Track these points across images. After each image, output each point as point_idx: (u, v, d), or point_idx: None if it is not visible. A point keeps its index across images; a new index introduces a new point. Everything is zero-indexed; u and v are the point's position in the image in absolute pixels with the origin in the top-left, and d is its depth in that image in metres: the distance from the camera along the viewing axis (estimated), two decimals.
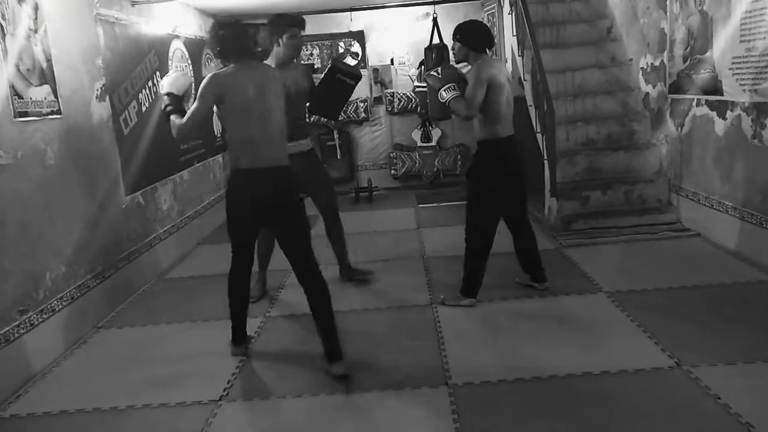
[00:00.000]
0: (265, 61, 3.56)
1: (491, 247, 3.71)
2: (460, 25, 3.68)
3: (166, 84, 3.18)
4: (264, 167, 2.96)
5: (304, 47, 7.67)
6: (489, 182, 3.62)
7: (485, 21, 7.39)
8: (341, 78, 3.97)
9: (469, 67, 3.62)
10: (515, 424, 2.52)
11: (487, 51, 3.64)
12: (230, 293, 3.24)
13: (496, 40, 7.04)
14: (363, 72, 7.58)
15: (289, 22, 3.88)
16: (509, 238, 3.92)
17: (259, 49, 3.19)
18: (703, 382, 2.69)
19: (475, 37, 3.61)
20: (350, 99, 7.37)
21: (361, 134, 7.83)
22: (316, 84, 4.14)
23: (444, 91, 3.52)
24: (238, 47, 3.00)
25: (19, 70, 3.21)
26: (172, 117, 3.06)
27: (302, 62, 7.41)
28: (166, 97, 3.14)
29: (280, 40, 3.86)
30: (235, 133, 2.99)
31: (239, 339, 3.32)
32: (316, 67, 7.51)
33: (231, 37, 3.01)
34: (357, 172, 7.83)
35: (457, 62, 3.82)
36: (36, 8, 3.40)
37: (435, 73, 3.61)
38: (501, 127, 3.58)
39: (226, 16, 6.97)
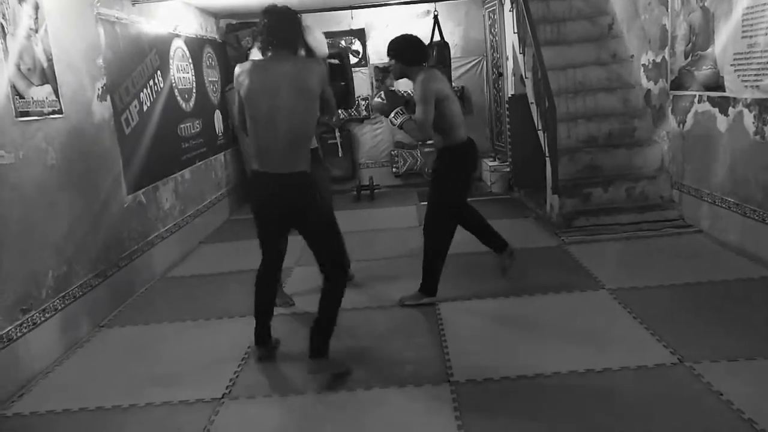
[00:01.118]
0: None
1: (450, 245, 3.76)
2: (391, 41, 3.62)
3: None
4: (271, 172, 2.81)
5: None
6: (451, 184, 3.69)
7: (486, 18, 7.39)
8: (327, 61, 3.95)
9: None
10: (517, 422, 2.52)
11: (424, 64, 3.58)
12: (255, 290, 3.16)
13: (497, 39, 7.05)
14: (364, 70, 7.66)
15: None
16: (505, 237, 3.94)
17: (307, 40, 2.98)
18: (705, 379, 2.68)
19: (408, 52, 3.54)
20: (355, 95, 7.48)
21: (362, 132, 7.83)
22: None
23: (393, 117, 3.51)
24: (273, 35, 2.79)
25: (20, 69, 3.22)
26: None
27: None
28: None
29: None
30: (250, 131, 2.87)
31: (260, 339, 3.20)
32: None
33: (265, 25, 2.80)
34: (358, 170, 7.84)
35: (396, 79, 3.75)
36: (36, 8, 3.40)
37: (379, 99, 3.60)
38: (458, 134, 3.63)
39: (227, 17, 6.97)
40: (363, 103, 7.59)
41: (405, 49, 3.56)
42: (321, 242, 2.96)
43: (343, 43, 7.63)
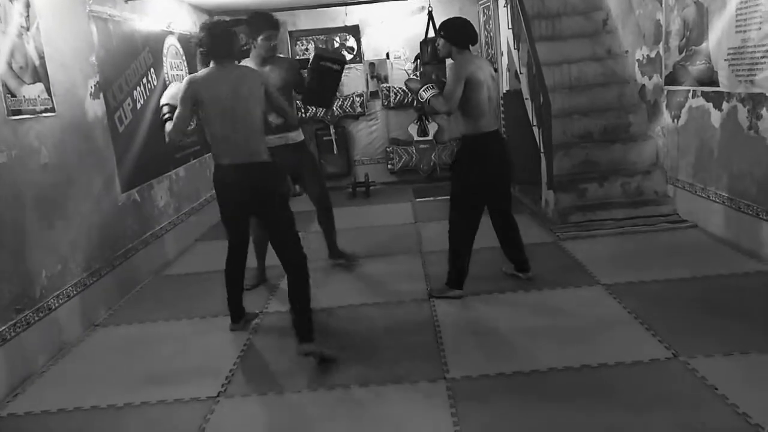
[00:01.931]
0: (246, 58, 3.90)
1: (474, 239, 3.76)
2: (445, 21, 3.74)
3: (165, 96, 3.40)
4: (240, 163, 3.17)
5: (299, 42, 7.68)
6: (472, 176, 3.67)
7: (480, 14, 7.38)
8: (326, 65, 3.99)
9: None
10: (513, 417, 2.52)
11: (470, 47, 3.69)
12: (225, 276, 3.54)
13: (491, 34, 7.04)
14: (359, 67, 7.65)
15: (265, 25, 3.97)
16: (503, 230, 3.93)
17: (245, 47, 3.41)
18: (700, 373, 2.69)
19: (459, 34, 3.65)
20: (347, 93, 7.46)
21: (357, 129, 7.82)
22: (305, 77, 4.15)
23: (423, 91, 3.62)
24: (215, 50, 3.18)
25: (11, 68, 3.19)
26: (167, 124, 3.29)
27: (296, 57, 7.40)
28: (165, 107, 3.34)
29: (255, 42, 3.99)
30: (213, 131, 3.20)
31: (235, 317, 3.60)
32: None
33: (209, 39, 3.18)
34: (354, 167, 7.82)
35: (442, 57, 3.90)
36: (27, 6, 3.38)
37: (414, 76, 3.75)
38: (483, 123, 3.63)
39: (219, 14, 6.94)
40: (358, 99, 7.58)
41: (456, 31, 3.65)
42: (277, 221, 3.23)
43: (339, 48, 7.59)
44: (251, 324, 3.65)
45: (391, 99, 7.55)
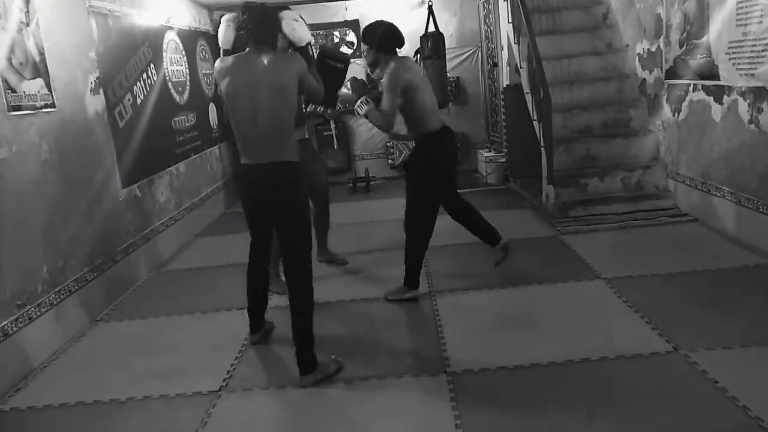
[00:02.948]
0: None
1: (431, 237, 3.73)
2: (366, 27, 3.59)
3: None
4: (254, 163, 2.88)
5: None
6: (429, 175, 3.63)
7: (480, 9, 7.36)
8: (329, 63, 3.96)
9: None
10: (514, 411, 2.53)
11: (397, 51, 3.55)
12: (247, 279, 3.27)
13: (491, 29, 7.02)
14: (359, 62, 7.63)
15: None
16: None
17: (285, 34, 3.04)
18: (700, 367, 2.70)
19: (383, 39, 3.49)
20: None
21: (357, 124, 7.81)
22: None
23: (358, 106, 3.49)
24: (249, 33, 2.88)
25: (11, 63, 3.19)
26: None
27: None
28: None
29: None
30: (232, 124, 2.96)
31: (253, 326, 3.33)
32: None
33: (245, 22, 2.89)
34: (354, 162, 7.82)
35: (370, 65, 3.65)
36: (27, 1, 3.37)
37: (346, 89, 3.59)
38: (431, 123, 3.58)
39: (219, 9, 6.92)
40: None
41: (380, 36, 3.50)
42: (290, 242, 2.93)
43: (339, 43, 7.59)
44: (271, 335, 3.40)
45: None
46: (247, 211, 3.11)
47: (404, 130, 3.90)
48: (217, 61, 2.96)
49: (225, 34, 3.09)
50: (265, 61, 2.84)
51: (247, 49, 2.91)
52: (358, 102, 3.48)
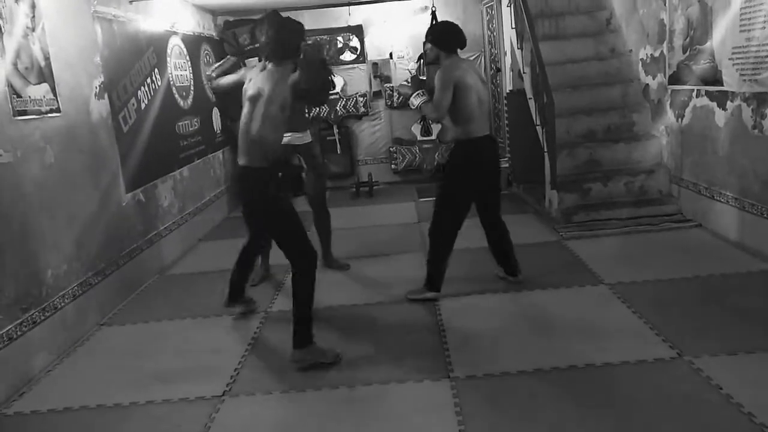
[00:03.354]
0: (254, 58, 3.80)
1: (454, 242, 3.74)
2: (432, 26, 3.75)
3: None
4: (239, 164, 3.13)
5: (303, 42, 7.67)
6: (461, 180, 3.65)
7: (484, 14, 7.37)
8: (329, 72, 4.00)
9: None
10: (518, 416, 2.52)
11: (458, 51, 3.66)
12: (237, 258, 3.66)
13: (494, 34, 7.04)
14: (362, 67, 7.65)
15: None
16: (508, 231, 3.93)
17: (249, 47, 3.43)
18: (705, 373, 2.69)
19: (445, 39, 3.64)
20: (350, 93, 7.47)
21: (360, 129, 7.82)
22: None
23: (413, 98, 3.65)
24: (277, 49, 3.04)
25: (17, 68, 3.21)
26: None
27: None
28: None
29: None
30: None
31: (233, 295, 3.72)
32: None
33: (273, 36, 3.02)
34: (357, 167, 7.83)
35: (429, 63, 3.90)
36: (33, 6, 3.39)
37: (406, 83, 3.79)
38: (474, 127, 3.60)
39: (224, 14, 6.95)
40: (361, 99, 7.57)
41: (442, 35, 3.65)
42: (276, 239, 3.23)
43: (346, 49, 7.61)
44: (248, 314, 3.75)
45: (395, 99, 7.54)
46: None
47: (449, 134, 4.05)
48: (243, 69, 3.37)
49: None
50: (266, 72, 3.04)
51: (264, 60, 3.13)
52: (414, 94, 3.65)
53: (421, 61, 6.57)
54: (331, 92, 4.35)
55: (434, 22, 3.83)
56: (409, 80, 3.85)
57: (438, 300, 3.77)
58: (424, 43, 6.43)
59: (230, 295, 3.73)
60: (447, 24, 3.77)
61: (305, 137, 4.25)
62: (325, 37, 7.63)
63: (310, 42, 7.43)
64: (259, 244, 3.66)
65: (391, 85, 7.55)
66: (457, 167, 3.67)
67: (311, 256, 3.09)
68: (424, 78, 3.89)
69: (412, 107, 3.74)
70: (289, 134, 4.10)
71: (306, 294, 3.06)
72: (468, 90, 3.53)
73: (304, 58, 3.88)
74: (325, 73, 3.93)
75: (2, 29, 3.12)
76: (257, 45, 3.99)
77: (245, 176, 3.08)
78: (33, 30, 3.38)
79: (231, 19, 7.04)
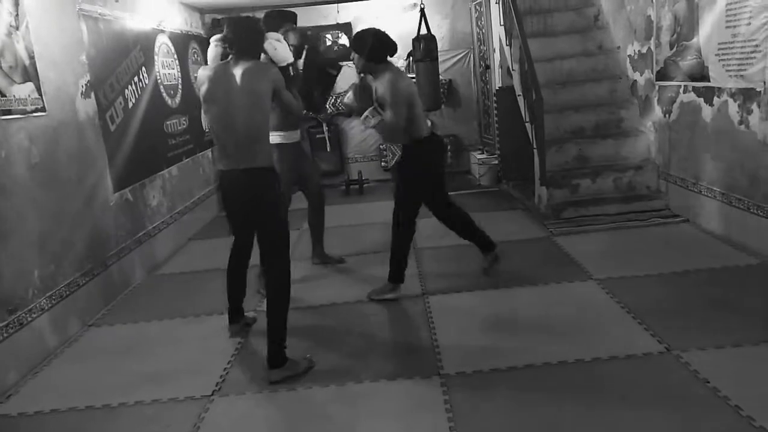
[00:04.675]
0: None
1: (414, 233, 3.82)
2: (356, 34, 3.58)
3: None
4: (229, 169, 2.99)
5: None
6: (416, 176, 3.70)
7: (472, 11, 7.38)
8: (327, 71, 4.00)
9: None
10: (508, 412, 2.53)
11: (389, 58, 3.54)
12: (227, 275, 3.47)
13: (483, 31, 7.04)
14: (351, 65, 7.62)
15: (282, 21, 3.96)
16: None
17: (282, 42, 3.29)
18: (692, 367, 2.71)
19: (376, 47, 3.45)
20: (339, 91, 7.45)
21: (350, 127, 7.80)
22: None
23: (367, 119, 3.46)
24: (237, 45, 2.99)
25: (1, 67, 3.17)
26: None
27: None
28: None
29: None
30: (210, 131, 3.08)
31: (232, 318, 3.50)
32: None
33: (228, 33, 3.03)
34: (347, 165, 7.82)
35: (360, 73, 3.63)
36: (17, 4, 3.36)
37: (351, 96, 3.59)
38: (420, 129, 3.62)
39: (211, 12, 6.92)
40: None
41: (369, 44, 3.45)
42: (268, 243, 3.03)
43: (335, 47, 7.59)
44: (250, 329, 3.53)
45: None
46: (227, 215, 3.30)
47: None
48: (200, 69, 3.09)
49: (212, 52, 3.29)
50: (242, 69, 2.93)
51: (229, 58, 3.02)
52: (366, 114, 3.46)
53: (410, 58, 6.56)
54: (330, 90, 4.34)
55: (355, 34, 3.58)
56: (354, 92, 3.54)
57: (426, 296, 3.77)
58: (414, 40, 6.50)
59: (231, 314, 3.50)
60: (373, 31, 3.51)
61: (294, 136, 4.24)
62: (310, 33, 7.60)
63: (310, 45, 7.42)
64: (248, 250, 3.44)
65: None
66: (411, 168, 3.69)
67: (288, 260, 3.03)
68: (370, 87, 3.58)
69: (367, 127, 3.59)
70: (278, 133, 4.12)
71: (285, 305, 2.97)
72: (415, 98, 3.54)
73: (306, 59, 3.88)
74: (326, 81, 3.94)
75: None
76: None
77: (257, 178, 2.95)
78: (17, 28, 3.34)
79: (219, 17, 7.00)
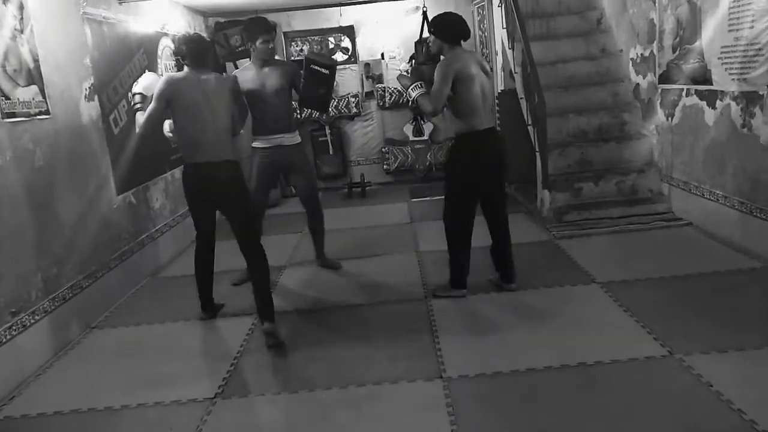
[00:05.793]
0: (247, 58, 4.16)
1: (471, 236, 3.71)
2: (435, 17, 3.73)
3: (138, 85, 3.61)
4: (207, 161, 3.43)
5: (294, 43, 7.68)
6: (464, 175, 3.61)
7: (475, 14, 7.39)
8: (314, 68, 4.03)
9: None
10: (510, 416, 2.53)
11: (462, 43, 3.63)
12: (195, 267, 3.80)
13: (486, 34, 7.06)
14: (354, 67, 7.65)
15: (260, 30, 4.08)
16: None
17: (240, 48, 3.81)
18: (695, 371, 2.70)
19: (448, 30, 3.61)
20: (342, 94, 7.47)
21: (352, 129, 7.81)
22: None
23: (411, 90, 3.60)
24: (192, 58, 3.47)
25: (5, 70, 3.19)
26: (138, 115, 3.52)
27: (291, 60, 7.40)
28: (137, 96, 3.57)
29: (254, 45, 4.10)
30: (184, 131, 3.45)
31: (204, 305, 3.83)
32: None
33: (192, 49, 3.47)
34: (350, 168, 7.82)
35: (433, 54, 3.87)
36: (21, 8, 3.37)
37: (405, 73, 3.79)
38: (476, 121, 3.54)
39: (214, 15, 6.94)
40: (353, 100, 7.57)
41: (445, 26, 3.61)
42: (243, 218, 3.53)
43: (335, 48, 7.62)
44: (218, 311, 3.89)
45: (387, 99, 7.56)
46: (197, 205, 3.62)
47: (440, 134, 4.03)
48: (164, 78, 3.44)
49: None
50: (212, 79, 3.49)
51: (186, 69, 3.48)
52: (412, 86, 3.61)
53: (413, 61, 6.57)
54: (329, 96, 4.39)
55: (434, 17, 3.78)
56: (409, 71, 3.77)
57: (428, 299, 3.77)
58: (416, 43, 6.51)
59: (204, 302, 3.85)
60: (450, 15, 3.70)
61: (294, 138, 4.26)
62: (316, 37, 7.63)
63: (312, 51, 7.45)
64: (212, 240, 3.76)
65: (383, 85, 7.57)
66: (459, 163, 3.61)
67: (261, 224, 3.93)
68: (425, 68, 3.84)
69: (410, 98, 3.74)
70: (278, 135, 4.14)
71: (268, 270, 3.52)
72: (470, 81, 3.48)
73: (306, 66, 3.98)
74: (323, 89, 4.05)
75: None
76: (250, 47, 4.10)
77: (233, 167, 3.51)
78: (21, 32, 3.36)
79: (222, 20, 7.03)
